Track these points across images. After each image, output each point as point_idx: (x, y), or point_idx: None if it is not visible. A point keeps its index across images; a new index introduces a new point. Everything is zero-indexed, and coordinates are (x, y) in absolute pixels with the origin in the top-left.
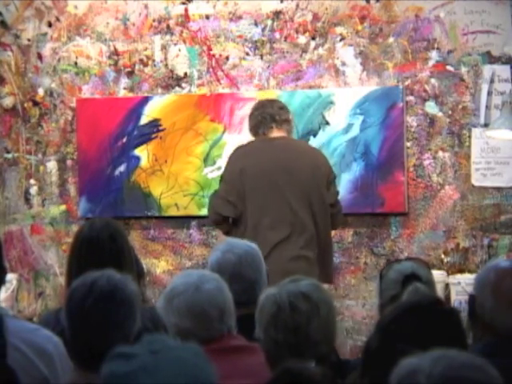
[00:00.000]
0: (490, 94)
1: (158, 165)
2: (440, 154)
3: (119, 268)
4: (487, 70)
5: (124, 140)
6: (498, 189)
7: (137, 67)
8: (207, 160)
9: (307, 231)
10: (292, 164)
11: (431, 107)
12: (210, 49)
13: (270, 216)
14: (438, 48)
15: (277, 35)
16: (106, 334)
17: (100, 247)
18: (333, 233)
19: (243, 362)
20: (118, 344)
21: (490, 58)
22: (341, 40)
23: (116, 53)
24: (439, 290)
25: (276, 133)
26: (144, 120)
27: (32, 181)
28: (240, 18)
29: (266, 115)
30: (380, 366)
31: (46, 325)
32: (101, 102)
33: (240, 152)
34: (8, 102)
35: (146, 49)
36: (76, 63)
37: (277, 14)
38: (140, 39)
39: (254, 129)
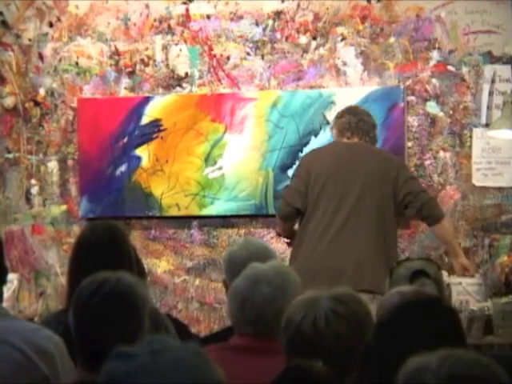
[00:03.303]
0: (491, 93)
1: (158, 165)
2: (441, 154)
3: (117, 270)
4: (488, 69)
5: (125, 140)
6: (499, 189)
7: (138, 67)
8: (208, 160)
9: (366, 235)
10: (360, 166)
11: (432, 107)
12: (210, 49)
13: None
14: (438, 48)
15: (278, 35)
16: (107, 334)
17: (100, 251)
18: None
19: (255, 364)
20: (119, 345)
21: (491, 58)
22: (342, 40)
23: (117, 53)
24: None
25: (356, 140)
26: (145, 120)
27: (33, 181)
28: (241, 17)
29: (352, 123)
30: (379, 365)
31: (46, 327)
32: (102, 102)
33: (312, 153)
34: (9, 101)
35: (146, 49)
36: (77, 63)
37: (278, 14)
38: (141, 39)
39: (340, 133)
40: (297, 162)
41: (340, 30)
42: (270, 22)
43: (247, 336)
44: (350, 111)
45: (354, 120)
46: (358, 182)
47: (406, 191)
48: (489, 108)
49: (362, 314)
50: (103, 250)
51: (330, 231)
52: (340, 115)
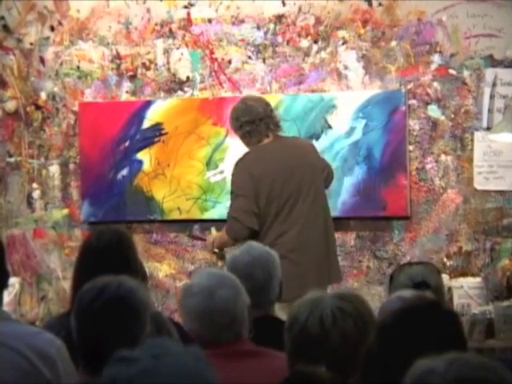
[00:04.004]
0: (492, 97)
1: (160, 168)
2: (442, 157)
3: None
4: (489, 73)
5: (126, 144)
6: (501, 192)
7: (139, 71)
8: (209, 164)
9: (320, 228)
10: (295, 164)
11: (433, 111)
12: (212, 52)
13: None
14: (440, 51)
15: (279, 39)
16: (110, 338)
17: (107, 257)
18: (335, 236)
19: (248, 367)
20: (121, 349)
21: (492, 62)
22: (343, 44)
23: (118, 57)
24: None
25: (270, 137)
26: (146, 124)
27: (34, 185)
28: (242, 21)
29: (252, 128)
30: (381, 368)
31: (49, 330)
32: (103, 106)
33: (244, 165)
34: (10, 105)
35: (148, 53)
36: (78, 67)
37: (279, 18)
38: (142, 43)
39: (248, 135)
40: None
41: (341, 33)
42: (272, 25)
43: (228, 344)
44: (242, 115)
45: (251, 124)
46: (303, 186)
47: (324, 167)
48: (490, 111)
49: (366, 314)
50: (110, 257)
51: (289, 235)
52: (238, 125)
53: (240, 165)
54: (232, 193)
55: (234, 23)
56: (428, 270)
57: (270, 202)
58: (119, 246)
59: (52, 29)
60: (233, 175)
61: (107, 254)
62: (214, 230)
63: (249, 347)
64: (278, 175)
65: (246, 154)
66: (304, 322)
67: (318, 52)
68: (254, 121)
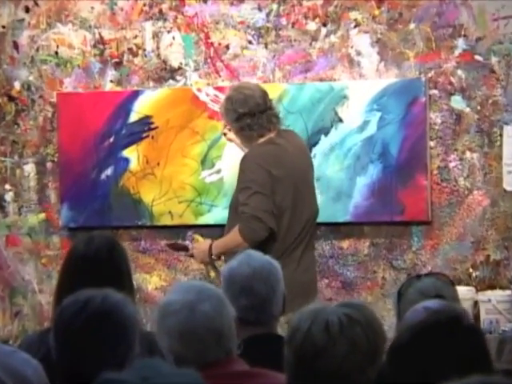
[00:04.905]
0: None
1: (149, 168)
2: (467, 154)
3: (117, 290)
4: None
5: (111, 140)
6: None
7: (125, 57)
8: (205, 162)
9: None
10: (302, 166)
11: (457, 102)
12: (207, 37)
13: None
14: (464, 35)
15: (283, 21)
16: (94, 357)
17: (97, 267)
18: (347, 243)
19: None
20: (108, 370)
21: None
22: (355, 26)
23: (102, 41)
24: (467, 309)
25: (272, 131)
26: (134, 117)
27: (7, 186)
28: (242, 1)
29: (253, 124)
30: None
31: (27, 347)
32: (85, 97)
33: (262, 161)
34: None
35: (135, 37)
36: (57, 53)
37: None
38: (129, 26)
39: (248, 128)
40: None
41: (353, 15)
42: (275, 6)
43: (217, 364)
44: (241, 107)
45: (252, 117)
46: (304, 191)
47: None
48: None
49: (376, 324)
50: (101, 266)
51: (299, 247)
52: (234, 117)
53: (256, 160)
54: (246, 188)
55: (232, 3)
56: (440, 282)
57: (284, 209)
58: (111, 254)
59: (27, 10)
60: (247, 169)
61: (97, 262)
62: (200, 238)
63: (241, 367)
64: (294, 181)
65: (260, 149)
66: (306, 330)
67: (326, 36)
68: (254, 113)
